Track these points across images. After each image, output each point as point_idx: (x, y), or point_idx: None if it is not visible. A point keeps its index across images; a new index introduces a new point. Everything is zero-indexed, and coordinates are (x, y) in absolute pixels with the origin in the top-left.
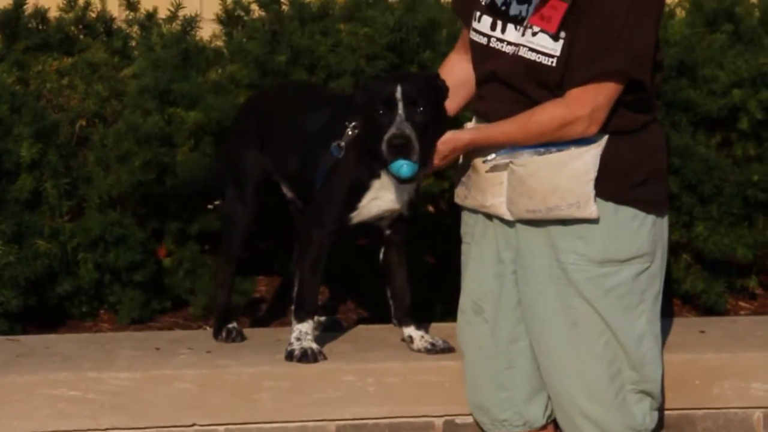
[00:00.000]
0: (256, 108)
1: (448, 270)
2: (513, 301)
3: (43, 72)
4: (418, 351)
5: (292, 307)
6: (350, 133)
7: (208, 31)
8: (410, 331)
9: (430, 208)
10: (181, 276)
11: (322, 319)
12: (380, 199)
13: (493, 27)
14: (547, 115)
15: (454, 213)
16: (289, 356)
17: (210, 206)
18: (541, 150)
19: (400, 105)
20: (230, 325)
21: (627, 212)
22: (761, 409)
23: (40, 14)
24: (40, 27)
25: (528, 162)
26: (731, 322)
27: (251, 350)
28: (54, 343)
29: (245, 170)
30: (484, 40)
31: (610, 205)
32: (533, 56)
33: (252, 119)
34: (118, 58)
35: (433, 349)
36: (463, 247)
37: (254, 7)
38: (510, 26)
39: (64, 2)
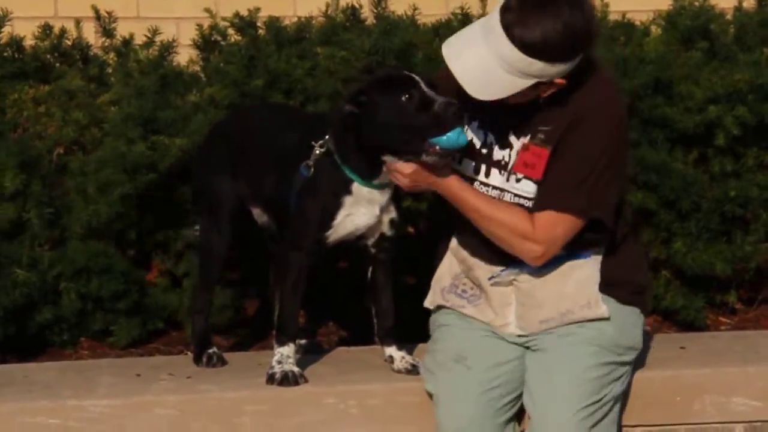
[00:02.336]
0: (225, 133)
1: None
2: (498, 359)
3: (19, 100)
4: (398, 372)
5: (274, 331)
6: (317, 152)
7: (185, 56)
8: (391, 351)
9: (410, 229)
10: (178, 294)
11: (303, 342)
12: (354, 215)
13: (477, 171)
14: (514, 219)
15: (433, 233)
16: (270, 379)
17: (190, 231)
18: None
19: (423, 85)
20: (210, 350)
21: (630, 309)
22: (742, 423)
23: (16, 42)
24: (16, 55)
25: (532, 277)
26: (711, 337)
27: (232, 375)
28: (33, 372)
29: (219, 198)
30: (467, 182)
31: (614, 304)
32: (516, 200)
33: (222, 145)
34: (94, 85)
35: (413, 370)
36: (441, 317)
37: (231, 31)
38: (494, 171)
39: (40, 30)
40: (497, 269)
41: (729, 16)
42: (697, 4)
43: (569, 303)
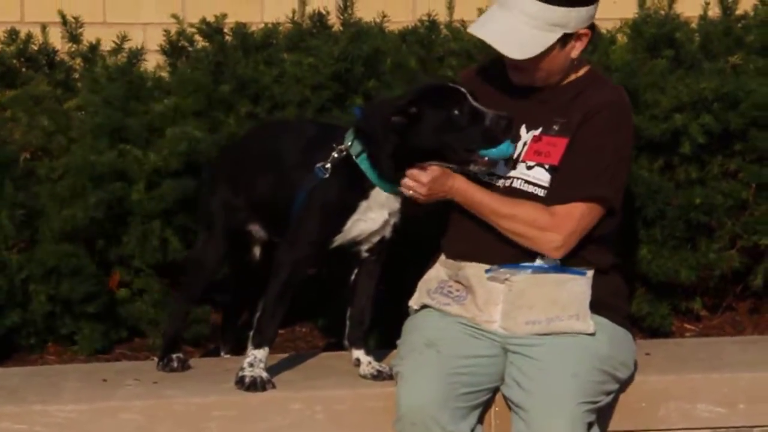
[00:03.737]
0: (229, 155)
1: (399, 296)
2: (470, 352)
3: None
4: (364, 376)
5: (251, 333)
6: (335, 155)
7: (152, 62)
8: (360, 354)
9: None
10: (139, 306)
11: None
12: (364, 221)
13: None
14: (534, 213)
15: (405, 239)
16: (240, 382)
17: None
18: (539, 270)
19: (471, 99)
20: (175, 355)
21: (623, 332)
22: (706, 430)
23: None
24: None
25: (528, 278)
26: (676, 344)
27: (198, 380)
28: None
29: (216, 217)
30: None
31: (608, 323)
32: (527, 188)
33: (222, 167)
34: (61, 90)
35: (379, 376)
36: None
37: (198, 37)
38: (500, 162)
39: (6, 35)
40: (494, 266)
41: (694, 25)
42: (662, 12)
43: (558, 310)
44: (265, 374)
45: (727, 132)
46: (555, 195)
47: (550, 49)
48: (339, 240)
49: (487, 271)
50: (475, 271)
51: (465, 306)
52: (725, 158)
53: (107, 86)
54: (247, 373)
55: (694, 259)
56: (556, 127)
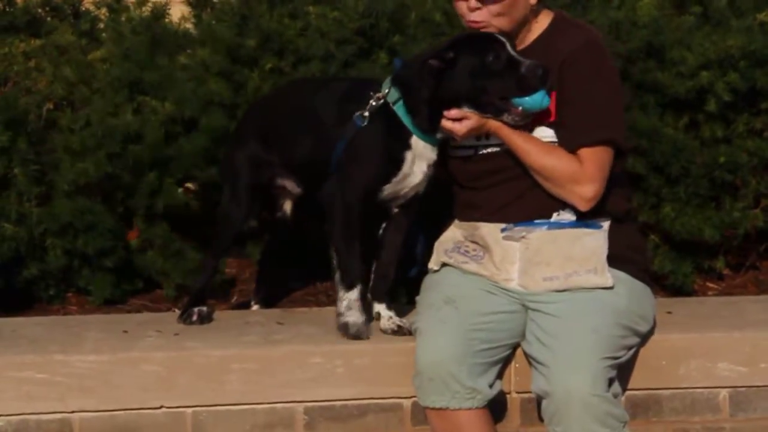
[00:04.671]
0: (256, 112)
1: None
2: (489, 309)
3: (9, 54)
4: (384, 331)
5: (337, 277)
6: (373, 103)
7: (177, 13)
8: (381, 308)
9: None
10: (151, 256)
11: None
12: (412, 174)
13: (478, 137)
14: (565, 162)
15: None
16: (344, 328)
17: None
18: (555, 226)
19: (509, 47)
20: (197, 308)
21: (642, 285)
22: (727, 388)
23: None
24: (7, 9)
25: (544, 234)
26: (698, 302)
27: (219, 333)
28: (21, 326)
29: (242, 172)
30: (469, 152)
31: (627, 276)
32: None
33: (253, 123)
34: (86, 41)
35: (399, 332)
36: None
37: None
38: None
39: None
40: (509, 225)
41: None
42: None
43: (576, 265)
44: (364, 319)
45: (753, 90)
46: (566, 146)
47: None
48: (388, 191)
49: (502, 230)
50: (490, 230)
51: (483, 264)
52: (751, 116)
53: (131, 40)
54: (349, 318)
55: (717, 218)
56: None
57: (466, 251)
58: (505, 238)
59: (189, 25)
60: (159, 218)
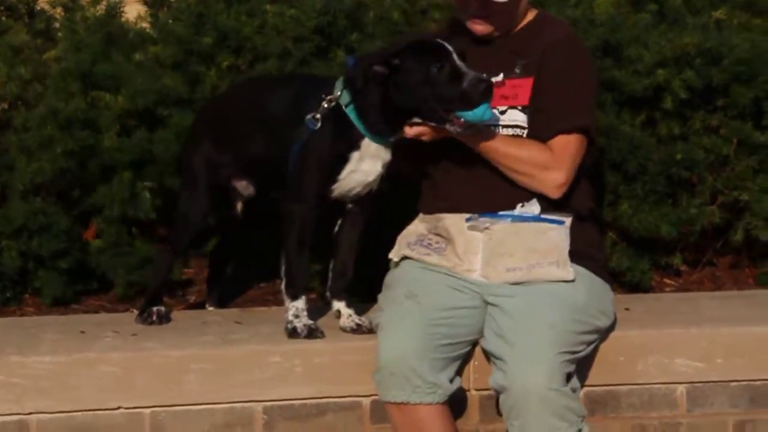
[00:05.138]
0: (209, 113)
1: (377, 252)
2: (449, 304)
3: None
4: (343, 329)
5: (283, 286)
6: (326, 105)
7: (133, 12)
8: (341, 306)
9: None
10: (107, 255)
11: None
12: (358, 171)
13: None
14: (536, 152)
15: (382, 197)
16: (293, 333)
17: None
18: (519, 219)
19: (456, 56)
20: (155, 308)
21: (601, 282)
22: (684, 384)
23: None
24: None
25: (508, 226)
26: (656, 299)
27: (177, 333)
28: None
29: (199, 173)
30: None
31: (586, 272)
32: (507, 131)
33: (205, 124)
34: (41, 40)
35: (358, 330)
36: (401, 267)
37: None
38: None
39: None
40: (474, 215)
41: None
42: None
43: (539, 257)
44: (312, 322)
45: (709, 87)
46: (541, 131)
47: None
48: (337, 190)
49: (467, 219)
50: (454, 221)
51: (445, 256)
52: (707, 114)
53: (86, 38)
54: (297, 324)
55: (674, 215)
56: (517, 70)
57: (429, 244)
58: (469, 228)
59: (145, 24)
60: (118, 219)
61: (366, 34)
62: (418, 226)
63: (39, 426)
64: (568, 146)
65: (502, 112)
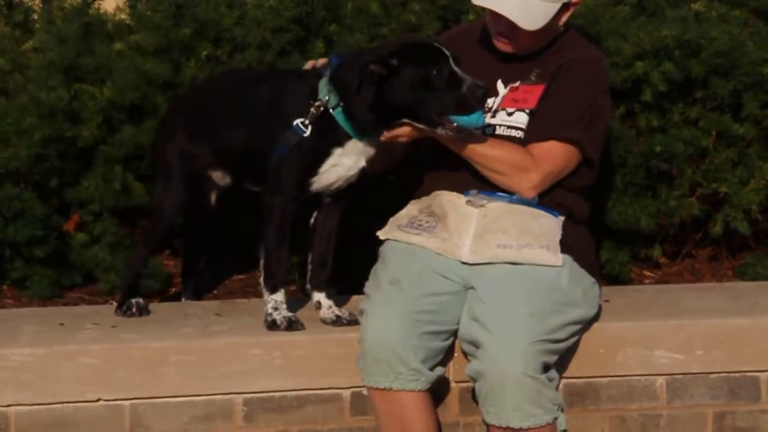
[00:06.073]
0: (186, 103)
1: (357, 243)
2: (432, 289)
3: None
4: (323, 320)
5: (261, 279)
6: (314, 111)
7: (111, 3)
8: (321, 297)
9: None
10: (95, 251)
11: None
12: (339, 165)
13: None
14: (514, 154)
15: (364, 187)
16: (272, 325)
17: None
18: (517, 201)
19: (452, 62)
20: (134, 300)
21: (583, 272)
22: (663, 376)
23: None
24: None
25: (503, 206)
26: (635, 290)
27: (157, 325)
28: None
29: (174, 164)
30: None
31: (571, 261)
32: (509, 132)
33: (179, 115)
34: (19, 32)
35: (338, 321)
36: (388, 248)
37: None
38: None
39: None
40: (473, 190)
41: None
42: None
43: (531, 238)
44: (292, 314)
45: (688, 79)
46: (532, 135)
47: (551, 19)
48: (317, 184)
49: (465, 192)
50: (450, 197)
51: (434, 233)
52: (686, 106)
53: (63, 27)
54: (277, 316)
55: (654, 207)
56: (533, 77)
57: (419, 225)
58: (466, 202)
59: (124, 16)
60: (107, 211)
61: (345, 26)
62: (410, 209)
63: (18, 418)
64: (551, 152)
65: (510, 114)
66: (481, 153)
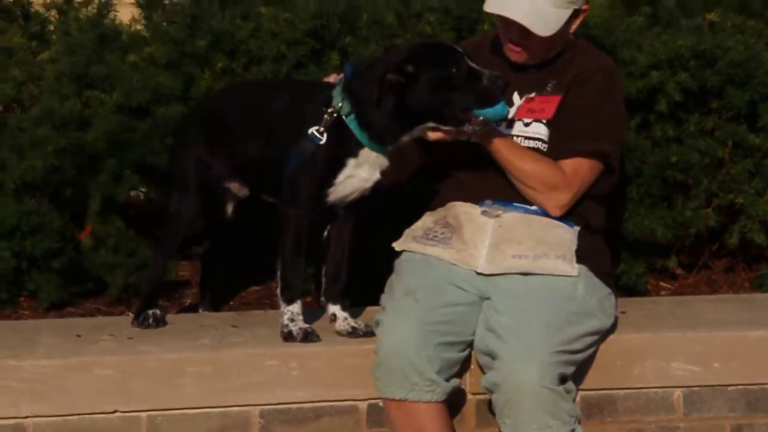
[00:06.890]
0: (200, 113)
1: (376, 254)
2: (447, 301)
3: None
4: (339, 332)
5: (278, 290)
6: (327, 118)
7: (127, 14)
8: (336, 309)
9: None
10: (102, 254)
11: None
12: (355, 177)
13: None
14: (548, 172)
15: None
16: (289, 337)
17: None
18: (532, 212)
19: (468, 59)
20: (151, 311)
21: (599, 282)
22: (681, 388)
23: None
24: None
25: (519, 216)
26: (652, 302)
27: (173, 336)
28: None
29: (190, 174)
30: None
31: (588, 273)
32: (528, 143)
33: (197, 125)
34: (35, 43)
35: (354, 333)
36: (404, 260)
37: None
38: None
39: None
40: (489, 201)
41: None
42: None
43: (546, 248)
44: (308, 326)
45: (703, 90)
46: (557, 149)
47: (563, 25)
48: (333, 195)
49: (480, 203)
50: (465, 208)
51: (449, 245)
52: (702, 116)
53: (79, 38)
54: (293, 327)
55: (670, 218)
56: (549, 88)
57: (435, 236)
58: (482, 213)
59: (139, 27)
60: (113, 213)
61: (360, 38)
62: (425, 221)
63: (35, 430)
64: (580, 169)
65: (527, 125)
66: (516, 166)
